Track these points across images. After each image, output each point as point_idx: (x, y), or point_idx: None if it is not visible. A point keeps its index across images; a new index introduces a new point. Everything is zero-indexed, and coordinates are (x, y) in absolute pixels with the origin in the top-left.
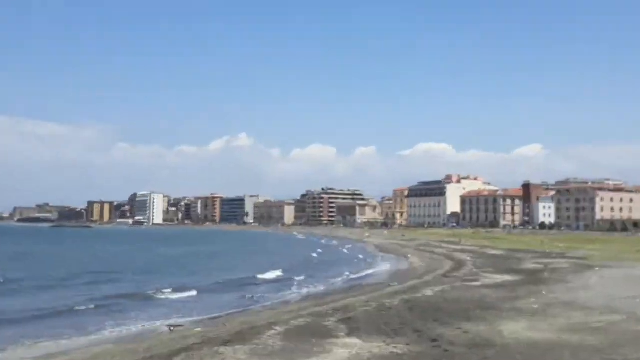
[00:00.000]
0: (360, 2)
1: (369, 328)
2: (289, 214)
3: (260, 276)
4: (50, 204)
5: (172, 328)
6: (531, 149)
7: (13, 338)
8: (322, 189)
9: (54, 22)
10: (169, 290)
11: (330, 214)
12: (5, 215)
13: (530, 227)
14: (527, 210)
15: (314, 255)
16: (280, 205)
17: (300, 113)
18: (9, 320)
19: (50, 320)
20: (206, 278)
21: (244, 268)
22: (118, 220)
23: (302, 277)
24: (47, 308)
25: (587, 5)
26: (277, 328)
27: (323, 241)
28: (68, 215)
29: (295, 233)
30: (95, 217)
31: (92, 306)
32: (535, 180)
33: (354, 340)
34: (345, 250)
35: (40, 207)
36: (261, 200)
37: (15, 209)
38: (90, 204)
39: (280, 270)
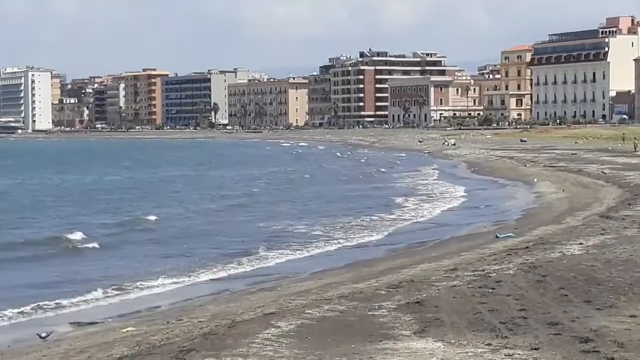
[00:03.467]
0: None
1: (458, 320)
2: (299, 104)
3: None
4: None
5: (43, 336)
6: None
7: None
8: (362, 54)
9: None
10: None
11: (380, 104)
12: None
13: None
14: None
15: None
16: (280, 89)
17: None
18: None
19: None
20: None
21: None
22: None
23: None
24: None
25: None
26: (281, 324)
27: (363, 159)
28: None
29: (284, 143)
30: None
31: None
32: None
33: (430, 344)
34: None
35: None
36: (242, 79)
37: None
38: None
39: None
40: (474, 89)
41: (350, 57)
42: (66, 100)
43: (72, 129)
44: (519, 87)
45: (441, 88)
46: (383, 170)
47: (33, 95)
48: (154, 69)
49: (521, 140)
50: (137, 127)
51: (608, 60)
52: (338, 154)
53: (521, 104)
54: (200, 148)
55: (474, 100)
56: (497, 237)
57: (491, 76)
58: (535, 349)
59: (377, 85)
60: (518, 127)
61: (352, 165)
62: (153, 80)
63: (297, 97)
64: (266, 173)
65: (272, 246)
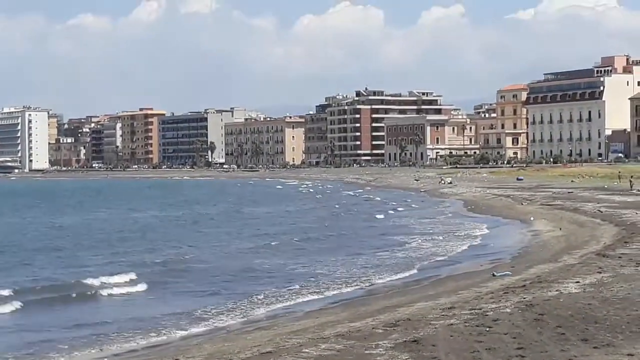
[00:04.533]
0: None
1: (455, 359)
2: (295, 143)
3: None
4: None
5: None
6: None
7: None
8: (358, 94)
9: None
10: None
11: (376, 142)
12: None
13: None
14: None
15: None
16: (276, 128)
17: None
18: None
19: None
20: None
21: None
22: None
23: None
24: None
25: None
26: None
27: (351, 192)
28: None
29: (277, 185)
30: None
31: None
32: None
33: None
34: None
35: None
36: (238, 118)
37: None
38: None
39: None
40: (470, 128)
41: (346, 96)
42: (63, 140)
43: (69, 168)
44: (514, 126)
45: (437, 127)
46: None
47: (30, 134)
48: (151, 108)
49: (517, 179)
50: (134, 166)
51: (603, 99)
52: (350, 192)
53: (517, 143)
54: (209, 187)
55: (470, 139)
56: (494, 275)
57: (487, 115)
58: None
59: (374, 124)
60: (514, 165)
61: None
62: (150, 119)
63: (293, 136)
64: (297, 209)
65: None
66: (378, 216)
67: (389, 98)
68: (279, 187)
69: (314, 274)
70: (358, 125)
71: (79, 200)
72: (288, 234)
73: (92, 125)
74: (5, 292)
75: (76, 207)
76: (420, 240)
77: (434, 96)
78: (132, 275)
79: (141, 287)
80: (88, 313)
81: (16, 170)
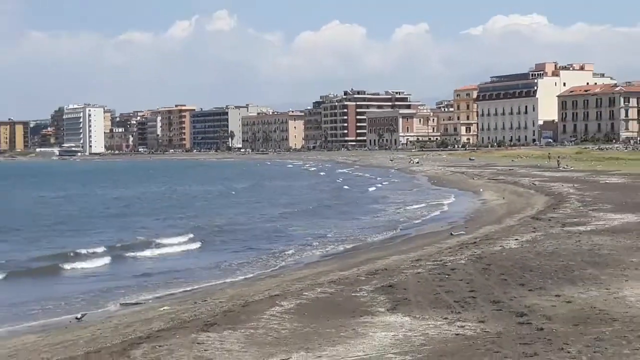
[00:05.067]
0: None
1: (421, 299)
2: (296, 132)
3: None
4: None
5: (78, 318)
6: None
7: None
8: (346, 93)
9: None
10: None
11: (360, 131)
12: None
13: None
14: None
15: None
16: (282, 120)
17: None
18: None
19: None
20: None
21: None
22: (38, 150)
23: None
24: None
25: None
26: (284, 303)
27: (345, 170)
28: None
29: (289, 164)
30: (3, 145)
31: None
32: None
33: (399, 318)
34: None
35: None
36: (252, 113)
37: None
38: None
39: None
40: (433, 119)
41: (336, 95)
42: (115, 130)
43: (120, 152)
44: (467, 118)
45: (407, 119)
46: (367, 174)
47: (89, 126)
48: (184, 105)
49: (470, 159)
50: (170, 150)
51: (537, 96)
52: (345, 170)
53: (470, 131)
54: (233, 167)
55: (433, 128)
56: (451, 234)
57: (446, 109)
58: (482, 321)
59: (358, 117)
60: (467, 148)
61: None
62: (183, 113)
63: (295, 127)
64: (309, 184)
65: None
66: (370, 189)
67: (370, 96)
68: (290, 166)
69: (321, 234)
70: (346, 117)
71: (132, 177)
72: (305, 203)
73: (138, 118)
74: (100, 249)
75: (131, 182)
76: (397, 208)
77: (404, 95)
78: (190, 235)
79: (195, 245)
80: (152, 265)
81: (79, 154)
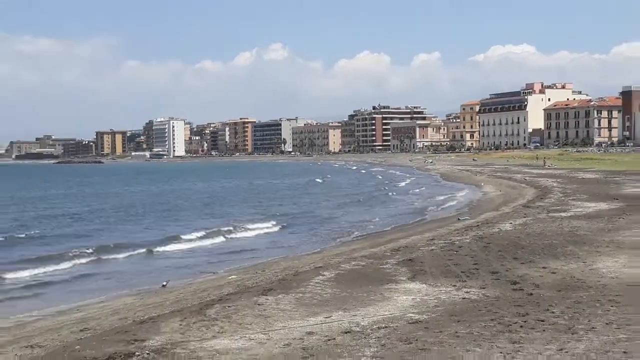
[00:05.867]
0: None
1: (435, 270)
2: (335, 139)
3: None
4: (54, 137)
5: (164, 285)
6: (636, 47)
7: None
8: (374, 107)
9: None
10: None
11: (385, 138)
12: (1, 151)
13: (632, 144)
14: (628, 124)
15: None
16: (323, 129)
17: (345, 13)
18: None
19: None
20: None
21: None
22: (133, 153)
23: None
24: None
25: None
26: (326, 273)
27: (380, 168)
28: (74, 149)
29: (334, 164)
30: (106, 150)
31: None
32: (638, 85)
33: (417, 286)
34: (403, 184)
35: (41, 141)
36: (300, 124)
37: (12, 143)
38: (99, 135)
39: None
40: (444, 128)
41: (366, 109)
42: (193, 138)
43: (197, 155)
44: (471, 127)
45: (423, 128)
46: (392, 171)
47: (173, 135)
48: (247, 118)
49: (473, 160)
50: (236, 154)
51: (527, 110)
52: (379, 168)
53: (473, 137)
54: (290, 167)
55: (444, 135)
56: (459, 219)
57: (454, 120)
58: (483, 288)
59: (384, 127)
60: (471, 151)
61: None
62: (246, 125)
63: (334, 134)
64: (356, 178)
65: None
66: (400, 184)
67: (393, 110)
68: (335, 165)
69: (364, 219)
70: (374, 127)
71: (209, 174)
72: (356, 195)
73: (211, 128)
74: (200, 234)
75: (209, 178)
76: (426, 198)
77: (421, 109)
78: (273, 222)
79: (276, 228)
80: (227, 244)
81: (165, 157)
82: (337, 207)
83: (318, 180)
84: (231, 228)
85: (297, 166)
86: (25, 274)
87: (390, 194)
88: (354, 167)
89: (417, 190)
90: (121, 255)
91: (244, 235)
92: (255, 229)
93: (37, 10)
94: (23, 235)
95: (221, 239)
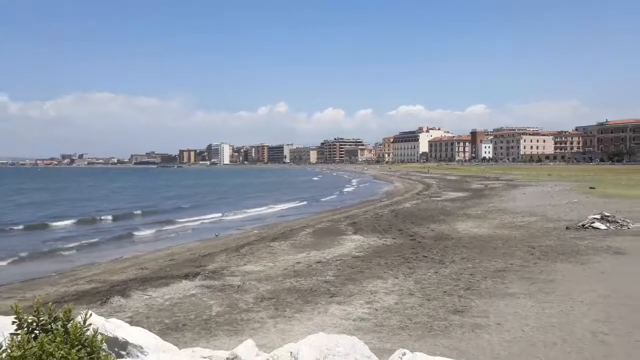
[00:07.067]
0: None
1: (367, 229)
2: (313, 156)
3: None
4: (155, 152)
5: (216, 235)
6: (478, 108)
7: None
8: (335, 139)
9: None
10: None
11: (341, 155)
12: (126, 160)
13: (476, 161)
14: (474, 149)
15: (340, 189)
16: (307, 150)
17: (321, 84)
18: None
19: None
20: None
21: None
22: (200, 162)
23: (327, 198)
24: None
25: None
26: (307, 230)
27: (335, 173)
28: (167, 159)
29: (315, 170)
30: (185, 160)
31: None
32: (480, 128)
33: (358, 237)
34: (353, 181)
35: (149, 154)
36: (294, 147)
37: (132, 155)
38: (181, 151)
39: (308, 194)
40: (374, 151)
41: (331, 140)
42: (233, 154)
43: (236, 164)
44: (388, 150)
45: (362, 150)
46: (345, 176)
47: (222, 152)
48: (264, 143)
49: (389, 168)
50: (258, 163)
51: (419, 141)
52: (336, 173)
53: (390, 156)
54: (281, 170)
55: (374, 155)
56: (381, 201)
57: (379, 147)
58: (394, 239)
59: (340, 150)
60: (388, 164)
61: (334, 177)
62: (264, 147)
63: (313, 153)
64: (323, 177)
65: (302, 204)
66: (353, 181)
67: (346, 140)
68: (309, 169)
69: (336, 200)
70: (335, 150)
71: (246, 174)
72: (334, 188)
73: (244, 148)
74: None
75: (256, 175)
76: (356, 189)
77: (361, 140)
78: (304, 202)
79: (302, 203)
80: (256, 214)
81: (218, 164)
82: (324, 194)
83: (315, 178)
84: (270, 203)
85: (295, 170)
86: (152, 230)
87: (344, 189)
88: (327, 172)
89: (355, 183)
90: (207, 219)
91: (267, 211)
92: (295, 206)
93: (145, 80)
94: (188, 206)
95: (264, 210)
